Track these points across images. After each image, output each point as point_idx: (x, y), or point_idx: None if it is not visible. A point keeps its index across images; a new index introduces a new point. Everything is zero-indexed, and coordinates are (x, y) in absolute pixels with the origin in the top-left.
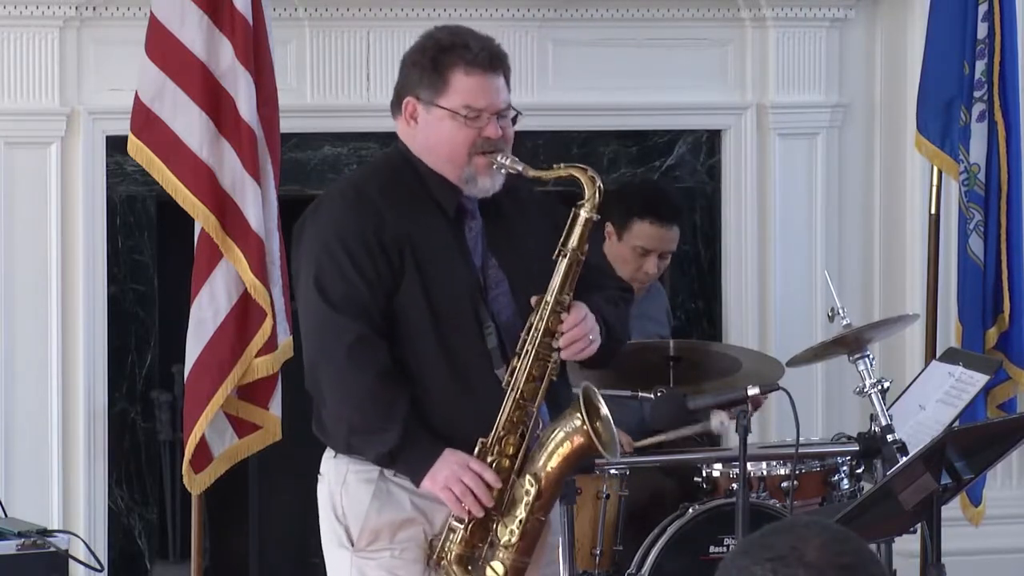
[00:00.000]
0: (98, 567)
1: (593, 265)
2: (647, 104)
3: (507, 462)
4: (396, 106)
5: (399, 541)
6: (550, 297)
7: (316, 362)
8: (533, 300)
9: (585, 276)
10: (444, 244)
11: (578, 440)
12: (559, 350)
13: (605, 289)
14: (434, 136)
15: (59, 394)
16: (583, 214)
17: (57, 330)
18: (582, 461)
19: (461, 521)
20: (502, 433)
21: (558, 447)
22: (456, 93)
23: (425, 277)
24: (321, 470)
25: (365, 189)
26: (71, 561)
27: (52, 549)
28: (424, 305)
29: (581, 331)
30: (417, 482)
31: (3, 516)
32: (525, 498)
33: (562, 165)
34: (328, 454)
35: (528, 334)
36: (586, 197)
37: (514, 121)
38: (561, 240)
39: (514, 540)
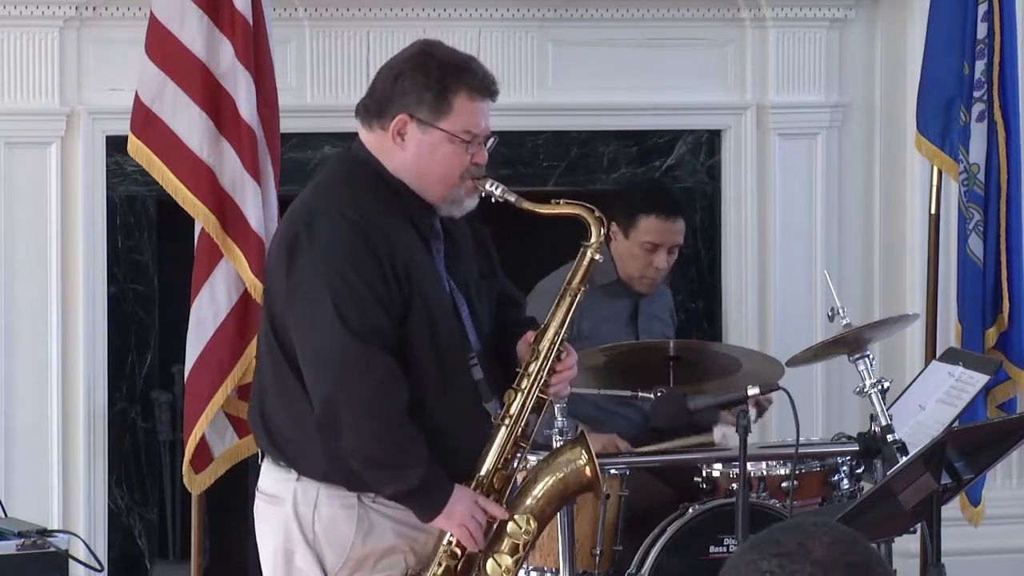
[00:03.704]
0: (98, 567)
1: (501, 276)
2: (647, 104)
3: (495, 496)
4: (375, 116)
5: (380, 570)
6: (556, 337)
7: (338, 394)
8: (529, 336)
9: (501, 289)
10: (428, 268)
11: (578, 479)
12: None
13: (518, 302)
14: (427, 157)
15: (59, 394)
16: (590, 255)
17: (57, 330)
18: (574, 498)
19: (455, 557)
20: (499, 467)
21: (556, 486)
22: (459, 117)
23: (424, 303)
24: (271, 492)
25: (362, 210)
26: (71, 561)
27: (52, 549)
28: (427, 334)
29: (573, 373)
30: (428, 519)
31: (3, 516)
32: (524, 538)
33: (562, 202)
34: (286, 475)
35: (527, 370)
36: (593, 239)
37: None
38: (567, 280)
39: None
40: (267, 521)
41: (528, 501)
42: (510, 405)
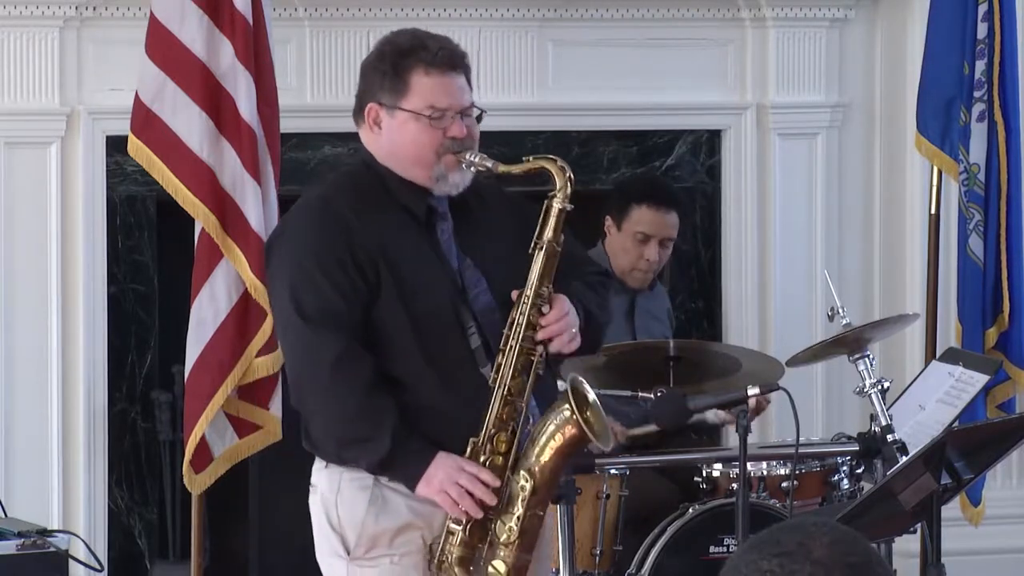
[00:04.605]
0: (98, 567)
1: (569, 253)
2: (647, 104)
3: (500, 460)
4: (358, 114)
5: (397, 546)
6: (529, 291)
7: (300, 379)
8: (513, 295)
9: (562, 264)
10: (418, 250)
11: (569, 431)
12: (543, 343)
13: (583, 276)
14: (399, 139)
15: (59, 394)
16: (556, 205)
17: (57, 330)
18: (576, 453)
19: (459, 523)
20: (492, 431)
21: (550, 440)
22: (418, 94)
23: (402, 286)
24: (312, 481)
25: (331, 202)
26: (71, 561)
27: (52, 549)
28: (403, 314)
29: (563, 325)
30: (412, 488)
31: (3, 516)
32: (521, 494)
33: (530, 158)
34: (319, 464)
35: (511, 329)
36: (557, 187)
37: (479, 120)
38: (536, 232)
39: (513, 538)
40: (312, 511)
41: (527, 460)
42: (499, 366)
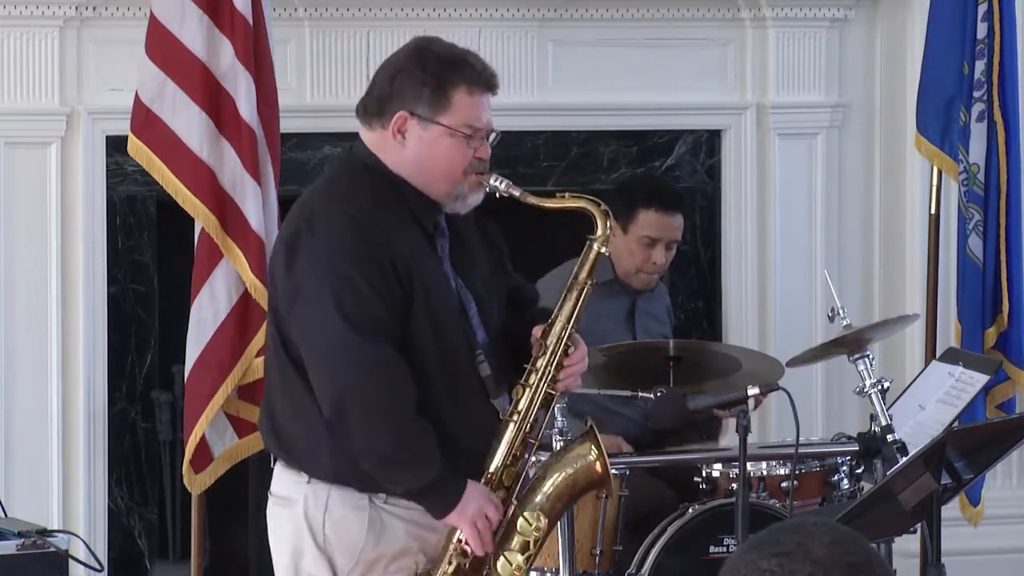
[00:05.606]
0: (98, 567)
1: (514, 274)
2: (647, 104)
3: (503, 493)
4: (375, 115)
5: (392, 572)
6: (563, 332)
7: (340, 393)
8: (537, 331)
9: (517, 287)
10: (433, 265)
11: (588, 475)
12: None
13: (535, 300)
14: (428, 153)
15: (59, 394)
16: (596, 248)
17: (57, 330)
18: (580, 496)
19: (465, 555)
20: (508, 463)
21: (566, 481)
22: (458, 112)
23: (427, 302)
24: (282, 494)
25: (362, 207)
26: (71, 561)
27: (52, 549)
28: (429, 331)
29: (582, 367)
30: (442, 515)
31: (3, 516)
32: (535, 534)
33: (566, 195)
34: (296, 477)
35: (535, 365)
36: (599, 233)
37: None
38: (574, 273)
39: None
40: (279, 524)
41: (538, 498)
42: (518, 401)
